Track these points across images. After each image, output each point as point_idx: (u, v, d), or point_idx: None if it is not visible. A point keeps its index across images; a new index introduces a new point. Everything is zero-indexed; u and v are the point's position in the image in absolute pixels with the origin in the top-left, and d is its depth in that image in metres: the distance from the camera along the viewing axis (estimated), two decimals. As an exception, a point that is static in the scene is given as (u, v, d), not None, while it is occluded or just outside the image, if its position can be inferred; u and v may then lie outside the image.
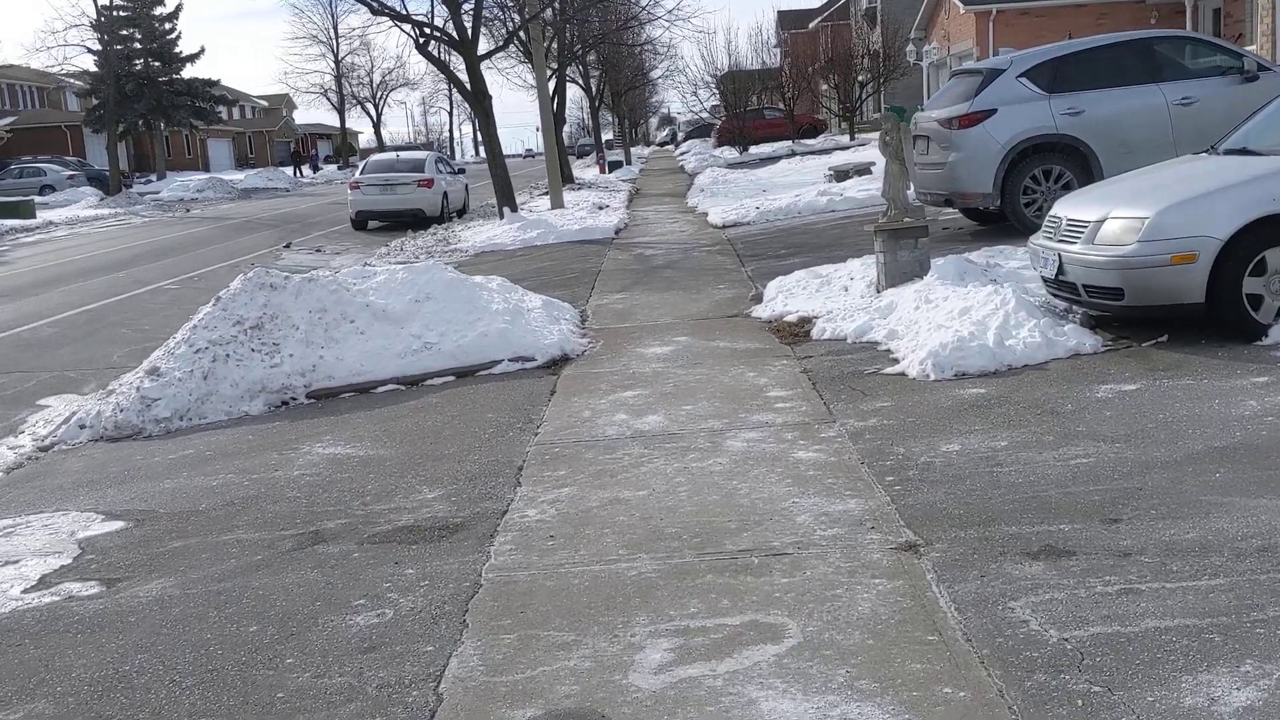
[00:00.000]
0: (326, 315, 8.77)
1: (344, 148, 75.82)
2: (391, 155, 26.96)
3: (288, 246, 21.92)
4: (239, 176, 55.17)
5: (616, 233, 18.73)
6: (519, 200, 30.02)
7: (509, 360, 8.62)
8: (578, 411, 7.16)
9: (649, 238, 17.81)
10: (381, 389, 8.40)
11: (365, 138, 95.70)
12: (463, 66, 19.97)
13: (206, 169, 75.88)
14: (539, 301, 10.16)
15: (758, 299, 10.79)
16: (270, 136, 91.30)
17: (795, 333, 8.99)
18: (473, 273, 15.84)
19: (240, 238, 25.37)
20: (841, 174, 21.31)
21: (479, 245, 18.21)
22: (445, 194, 25.22)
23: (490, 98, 20.21)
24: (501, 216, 19.79)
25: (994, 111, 11.76)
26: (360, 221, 24.89)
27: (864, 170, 20.98)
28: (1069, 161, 11.71)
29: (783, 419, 6.53)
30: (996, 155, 11.69)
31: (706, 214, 20.31)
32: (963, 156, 11.89)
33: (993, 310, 7.59)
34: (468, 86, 19.79)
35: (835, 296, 9.81)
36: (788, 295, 10.11)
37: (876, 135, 35.08)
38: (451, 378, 8.50)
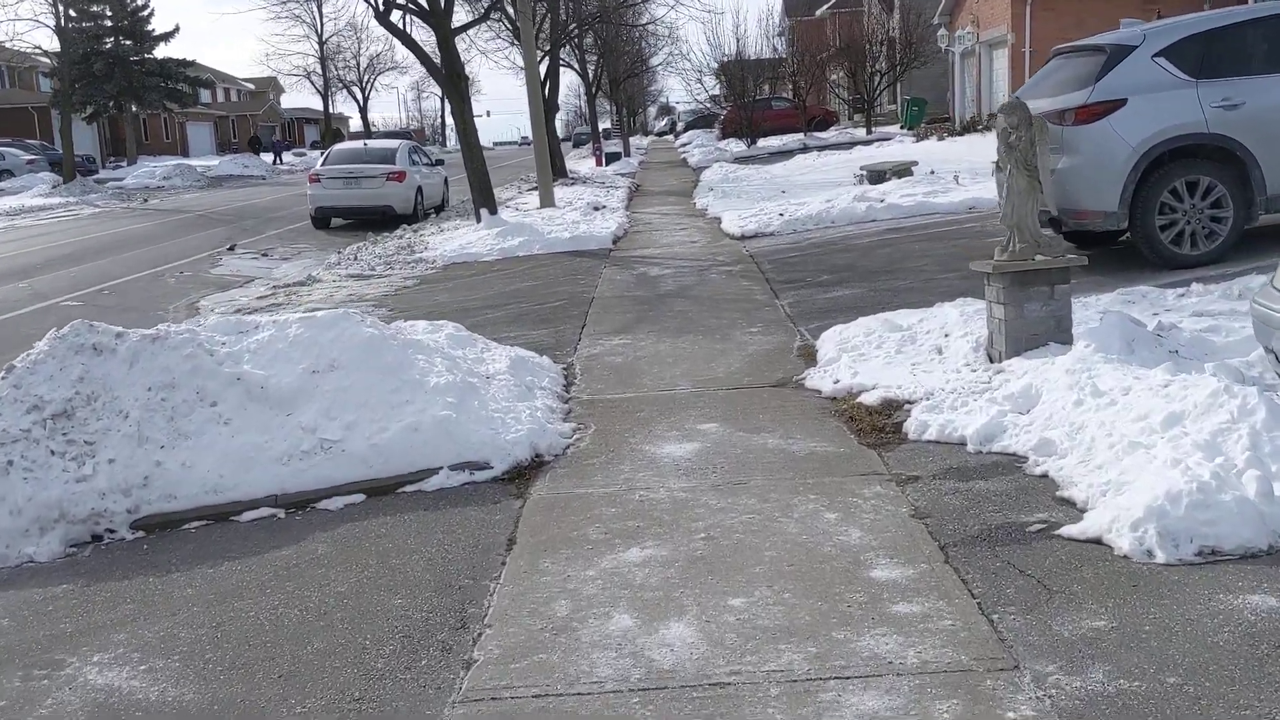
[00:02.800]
0: (175, 395, 5.79)
1: (328, 133, 72.54)
2: (359, 144, 23.93)
3: (231, 249, 18.93)
4: (212, 163, 52.02)
5: (615, 242, 15.74)
6: (505, 196, 27.05)
7: (450, 468, 5.66)
8: (547, 600, 4.19)
9: (653, 250, 14.82)
10: (249, 515, 5.44)
11: (356, 123, 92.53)
12: (434, 41, 16.91)
13: (185, 154, 72.61)
14: (505, 361, 7.18)
15: (808, 354, 7.84)
16: (254, 121, 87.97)
17: (879, 426, 6.03)
18: (434, 293, 12.93)
19: (186, 235, 22.35)
20: (877, 175, 18.33)
21: (449, 255, 15.21)
22: (419, 188, 22.24)
23: (466, 79, 17.19)
24: (478, 219, 16.79)
25: (1123, 102, 8.79)
26: (321, 219, 21.88)
27: (904, 171, 18.00)
28: (1222, 171, 8.76)
29: (917, 653, 3.57)
30: (1126, 161, 8.73)
31: (720, 219, 17.34)
32: (1079, 162, 8.93)
33: (1228, 423, 4.64)
34: (439, 65, 16.76)
35: (927, 363, 6.86)
36: (856, 357, 7.14)
37: (895, 129, 32.14)
38: (360, 497, 5.54)
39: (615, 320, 9.85)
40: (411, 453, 5.68)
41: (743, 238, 14.99)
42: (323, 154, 23.74)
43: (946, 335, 7.15)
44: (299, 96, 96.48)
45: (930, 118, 39.28)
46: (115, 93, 55.54)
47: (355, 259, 15.45)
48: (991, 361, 6.60)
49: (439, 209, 24.07)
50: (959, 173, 17.23)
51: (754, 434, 6.13)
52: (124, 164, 56.31)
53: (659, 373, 7.75)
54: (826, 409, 6.53)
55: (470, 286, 12.74)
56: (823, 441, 5.92)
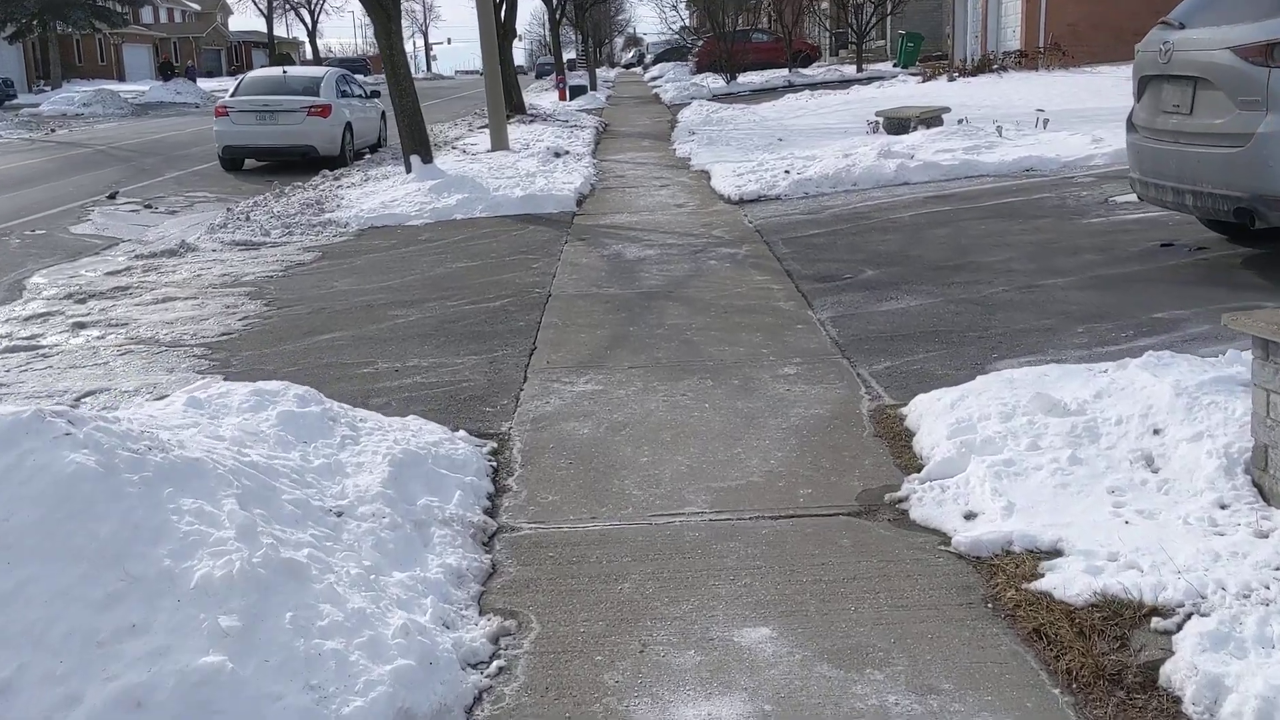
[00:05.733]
0: None
1: (275, 60, 67.95)
2: (277, 71, 20.35)
3: (111, 197, 15.52)
4: (141, 89, 47.81)
5: (579, 203, 12.52)
6: (453, 134, 23.62)
7: (211, 800, 2.55)
8: None
9: (629, 217, 11.63)
10: None
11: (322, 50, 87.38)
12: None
13: (122, 78, 67.98)
14: (382, 467, 4.05)
15: (892, 432, 4.81)
16: (198, 44, 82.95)
17: (1109, 670, 3.00)
18: (334, 275, 9.31)
19: (71, 176, 18.83)
20: (898, 123, 15.18)
21: (366, 216, 11.95)
22: (349, 125, 18.79)
23: (395, -8, 13.76)
24: (408, 169, 13.49)
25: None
26: (231, 160, 18.45)
27: (933, 119, 14.85)
28: None
29: None
30: (1373, 123, 5.67)
31: (708, 174, 14.16)
32: (1297, 123, 5.85)
33: None
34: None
35: (1137, 489, 3.83)
36: (1001, 468, 4.06)
37: (888, 67, 28.91)
38: None
39: (579, 340, 6.72)
40: (124, 764, 2.57)
41: (741, 202, 11.85)
42: (235, 83, 20.16)
43: (1157, 432, 4.10)
44: (246, 19, 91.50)
45: (923, 55, 36.08)
46: (37, 10, 50.89)
47: (247, 219, 12.12)
48: (1268, 502, 3.58)
49: (374, 148, 20.68)
50: (1000, 123, 14.12)
51: (853, 670, 3.07)
52: (48, 88, 51.99)
53: (651, 465, 4.65)
54: (971, 590, 3.48)
55: (384, 266, 9.53)
56: (1003, 709, 2.87)
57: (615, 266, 8.92)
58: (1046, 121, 14.11)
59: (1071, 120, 14.68)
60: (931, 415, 4.66)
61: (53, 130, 31.25)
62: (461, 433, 4.85)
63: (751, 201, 11.77)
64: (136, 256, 10.92)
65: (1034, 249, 8.12)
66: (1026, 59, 25.28)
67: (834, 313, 6.95)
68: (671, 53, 59.51)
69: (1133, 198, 9.42)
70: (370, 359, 6.58)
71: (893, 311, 6.83)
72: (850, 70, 35.29)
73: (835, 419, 5.09)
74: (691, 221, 10.98)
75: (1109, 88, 20.56)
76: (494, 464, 4.71)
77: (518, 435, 5.10)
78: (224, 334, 7.53)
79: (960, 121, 14.93)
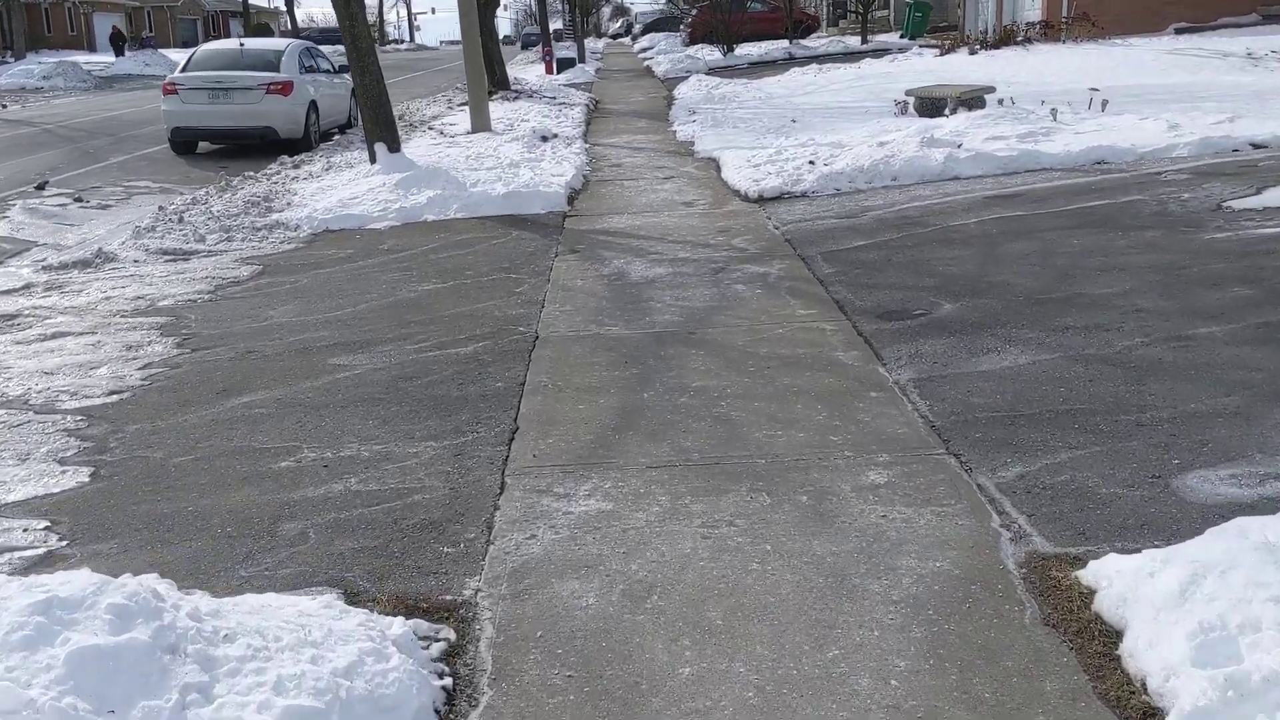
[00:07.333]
0: None
1: (251, 29, 65.49)
2: (233, 44, 18.36)
3: (40, 188, 13.66)
4: (110, 60, 45.60)
5: (571, 200, 10.70)
6: (431, 112, 21.70)
7: None
8: None
9: (630, 220, 9.81)
10: None
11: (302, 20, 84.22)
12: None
13: (92, 48, 65.60)
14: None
15: (1068, 619, 3.09)
16: (172, 13, 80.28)
17: None
18: (272, 299, 6.76)
19: (7, 160, 16.92)
20: (931, 104, 13.36)
21: (321, 216, 10.11)
22: (313, 104, 16.86)
23: (356, -47, 11.81)
24: (373, 160, 11.61)
25: None
26: (182, 143, 16.56)
27: (974, 100, 13.03)
28: None
29: None
30: None
31: (717, 163, 12.35)
32: None
33: None
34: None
35: None
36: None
37: (894, 38, 26.93)
38: None
39: (577, 415, 4.95)
40: None
41: (761, 200, 10.06)
42: (186, 57, 18.14)
43: None
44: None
45: (930, 26, 34.17)
46: (-3, -24, 48.60)
47: (179, 221, 10.26)
48: None
49: (343, 128, 18.74)
50: (1053, 105, 12.33)
51: None
52: (12, 59, 49.63)
53: (697, 684, 2.93)
54: None
55: (334, 288, 7.74)
56: None
57: (617, 292, 7.13)
58: (1105, 103, 12.33)
59: (1123, 100, 12.93)
60: (1148, 606, 2.92)
61: (4, 106, 29.18)
62: (398, 627, 3.08)
63: (773, 200, 9.98)
64: (44, 268, 9.12)
65: (1157, 276, 6.36)
66: (1051, 30, 23.45)
67: (915, 372, 5.20)
68: (661, 23, 57.43)
69: (1253, 203, 7.71)
70: (294, 442, 4.84)
71: (998, 373, 5.09)
72: (853, 42, 33.37)
73: (972, 583, 3.35)
74: (705, 226, 9.19)
75: (1149, 62, 18.79)
76: (449, 682, 2.97)
77: (489, 608, 3.36)
78: (114, 392, 5.78)
79: (1001, 102, 13.14)
